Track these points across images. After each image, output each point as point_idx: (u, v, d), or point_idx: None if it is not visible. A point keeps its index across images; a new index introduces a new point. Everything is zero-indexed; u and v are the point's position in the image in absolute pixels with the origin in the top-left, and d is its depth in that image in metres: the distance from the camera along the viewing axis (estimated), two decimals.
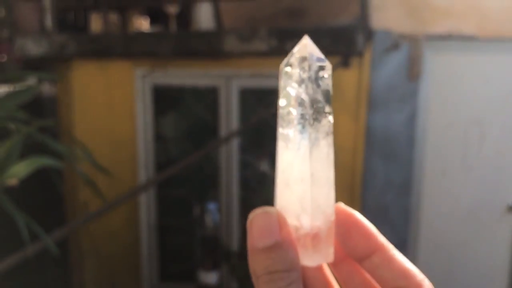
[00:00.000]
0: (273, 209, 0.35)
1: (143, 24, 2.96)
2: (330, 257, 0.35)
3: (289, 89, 0.34)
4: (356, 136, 2.87)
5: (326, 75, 0.35)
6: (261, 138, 3.07)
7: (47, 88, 2.93)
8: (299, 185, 0.35)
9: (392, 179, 2.89)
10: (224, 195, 3.10)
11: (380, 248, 0.36)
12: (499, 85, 2.85)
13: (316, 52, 0.35)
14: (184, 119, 3.16)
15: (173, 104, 3.12)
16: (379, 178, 2.89)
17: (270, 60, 2.75)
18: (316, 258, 0.35)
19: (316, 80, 0.34)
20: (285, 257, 0.33)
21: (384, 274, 0.35)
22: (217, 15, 2.82)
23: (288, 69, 0.35)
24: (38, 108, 2.86)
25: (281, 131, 0.35)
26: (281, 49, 2.58)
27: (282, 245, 0.33)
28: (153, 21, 3.04)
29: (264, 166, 3.02)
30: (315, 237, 0.35)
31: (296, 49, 0.35)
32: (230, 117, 2.99)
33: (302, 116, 0.34)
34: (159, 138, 3.12)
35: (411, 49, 2.73)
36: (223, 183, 3.09)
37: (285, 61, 0.35)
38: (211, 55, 2.80)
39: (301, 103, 0.34)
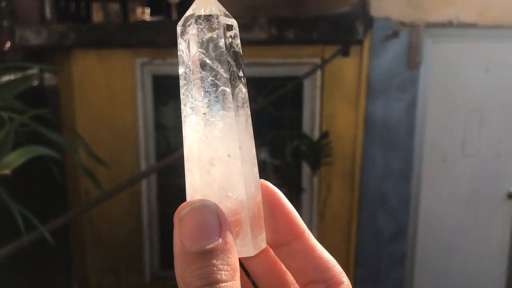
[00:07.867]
0: (211, 202, 0.28)
1: (144, 13, 2.96)
2: (264, 243, 0.31)
3: (198, 51, 0.29)
4: (356, 124, 2.88)
5: (233, 34, 0.30)
6: (260, 126, 3.08)
7: (48, 78, 2.94)
8: (225, 163, 0.29)
9: (391, 166, 2.90)
10: None
11: (301, 234, 0.31)
12: (499, 72, 2.85)
13: (221, 8, 0.30)
14: None
15: (173, 94, 3.13)
16: (378, 166, 2.90)
17: (270, 48, 2.75)
18: (253, 247, 0.30)
19: (225, 41, 0.30)
20: (227, 263, 0.26)
21: (305, 264, 0.31)
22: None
23: (194, 28, 0.29)
24: (40, 98, 2.87)
25: (195, 102, 0.29)
26: (281, 38, 2.58)
27: (224, 248, 0.26)
28: (154, 11, 3.04)
29: (263, 154, 3.04)
30: (251, 223, 0.30)
31: (196, 5, 0.30)
32: None
33: (218, 81, 0.29)
34: (159, 127, 3.13)
35: (411, 37, 2.73)
36: None
37: (184, 19, 0.30)
38: None
39: (211, 67, 0.29)
